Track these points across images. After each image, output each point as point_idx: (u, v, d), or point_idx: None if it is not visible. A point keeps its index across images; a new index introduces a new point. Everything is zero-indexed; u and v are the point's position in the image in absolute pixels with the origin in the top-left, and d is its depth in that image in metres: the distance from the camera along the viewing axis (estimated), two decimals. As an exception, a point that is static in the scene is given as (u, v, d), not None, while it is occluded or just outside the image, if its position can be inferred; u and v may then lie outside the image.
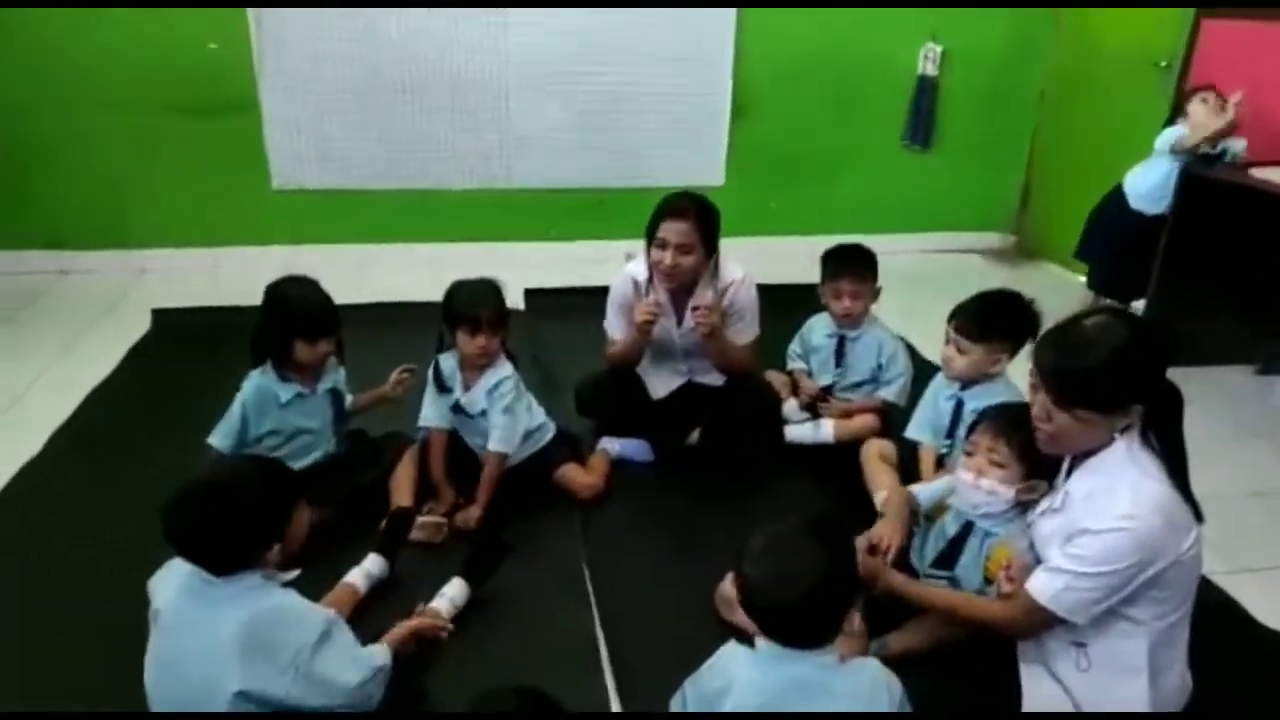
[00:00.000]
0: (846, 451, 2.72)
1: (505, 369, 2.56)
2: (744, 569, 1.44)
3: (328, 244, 4.60)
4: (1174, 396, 1.67)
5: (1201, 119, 3.55)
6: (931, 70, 4.96)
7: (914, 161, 5.18)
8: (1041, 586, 1.65)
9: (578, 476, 2.63)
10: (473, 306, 2.47)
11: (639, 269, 2.78)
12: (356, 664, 1.65)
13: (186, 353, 3.53)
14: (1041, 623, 1.67)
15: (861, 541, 1.93)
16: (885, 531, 2.00)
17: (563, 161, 4.76)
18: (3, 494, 2.58)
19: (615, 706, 1.91)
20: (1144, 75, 4.36)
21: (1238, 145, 3.53)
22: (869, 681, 1.43)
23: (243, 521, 1.55)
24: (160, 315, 3.82)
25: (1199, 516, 1.67)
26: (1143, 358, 1.62)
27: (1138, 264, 3.63)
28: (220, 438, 2.32)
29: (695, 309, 2.66)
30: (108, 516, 2.44)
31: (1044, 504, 1.77)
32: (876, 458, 2.58)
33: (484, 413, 2.53)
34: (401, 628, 1.90)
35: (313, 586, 1.98)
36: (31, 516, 2.49)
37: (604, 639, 2.09)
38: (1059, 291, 4.02)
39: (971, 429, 2.05)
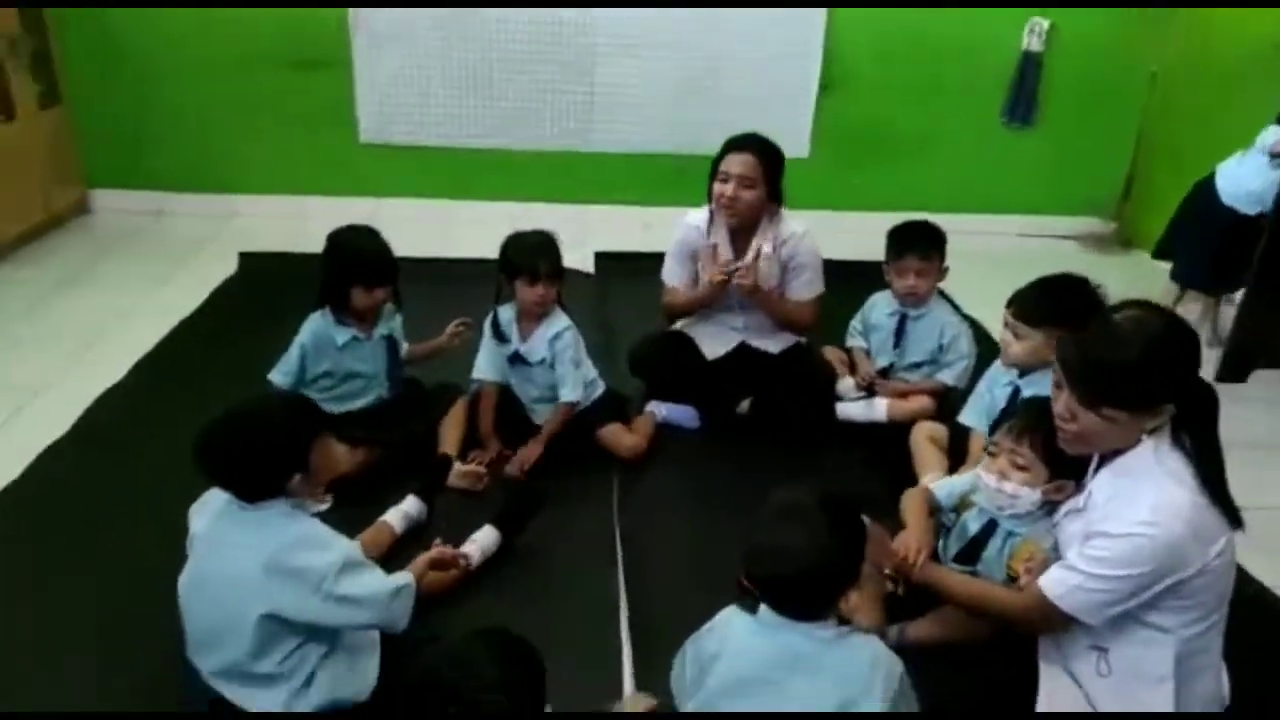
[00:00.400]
0: (899, 432, 2.65)
1: (563, 320, 2.59)
2: (750, 535, 1.42)
3: (410, 198, 4.72)
4: (1209, 398, 1.57)
5: None
6: (1037, 46, 4.73)
7: (1013, 141, 4.98)
8: (1052, 583, 1.59)
9: (622, 437, 2.64)
10: (532, 257, 2.51)
11: (700, 216, 2.77)
12: (380, 584, 1.70)
13: (268, 294, 3.67)
14: (1051, 620, 1.61)
15: (891, 548, 1.87)
16: (910, 541, 1.91)
17: (644, 127, 4.74)
18: (84, 417, 2.74)
19: (628, 666, 1.93)
20: (1266, 61, 4.05)
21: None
22: (866, 660, 1.40)
23: (263, 451, 1.61)
24: (246, 258, 3.99)
25: (1236, 522, 1.57)
26: (1176, 356, 1.52)
27: (1228, 260, 3.41)
28: (280, 375, 2.43)
29: (736, 268, 2.64)
30: (175, 446, 2.56)
31: (1069, 504, 1.70)
32: (926, 440, 2.52)
33: (543, 361, 2.58)
34: (420, 558, 1.95)
35: (356, 525, 2.08)
36: (111, 439, 2.66)
37: (625, 599, 2.11)
38: (1152, 284, 3.80)
39: (993, 428, 1.96)
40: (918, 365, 2.88)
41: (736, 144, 2.67)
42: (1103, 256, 4.91)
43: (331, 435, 1.76)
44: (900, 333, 2.88)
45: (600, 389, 2.73)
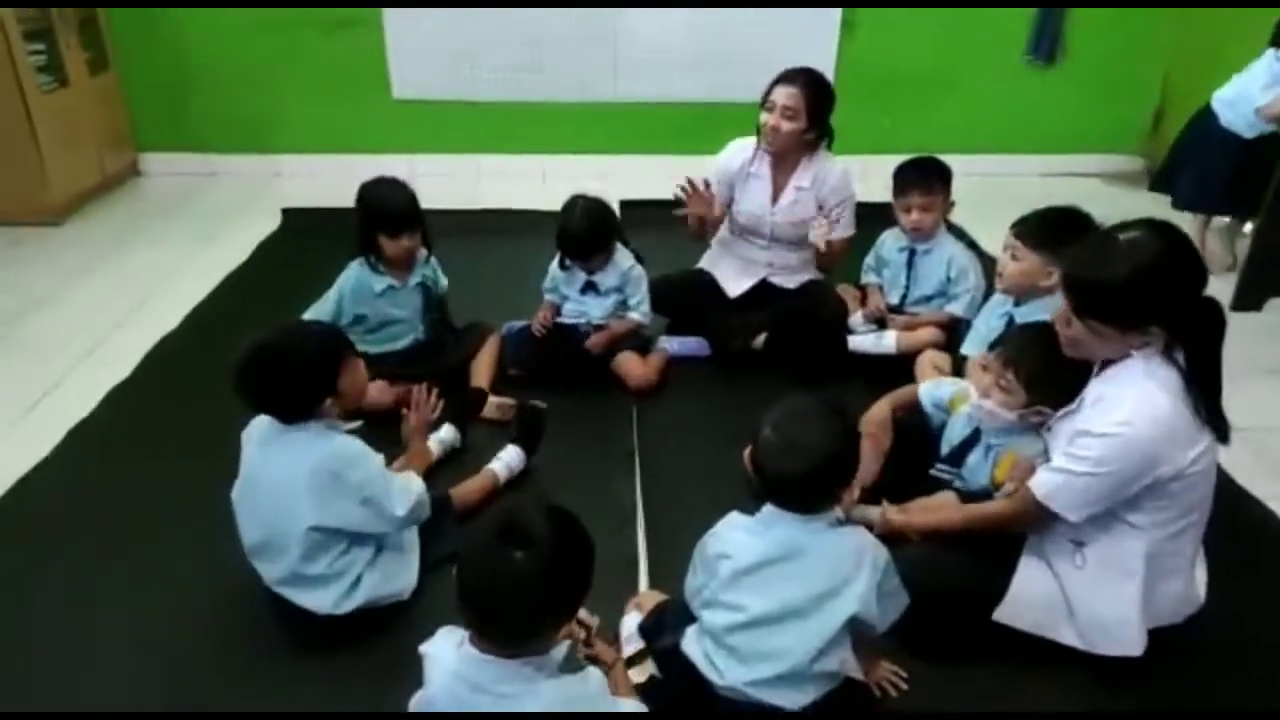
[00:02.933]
0: (908, 363, 2.77)
1: (630, 258, 2.81)
2: (761, 433, 1.55)
3: (445, 153, 4.88)
4: (1212, 317, 1.63)
5: None
6: (1061, -18, 4.71)
7: (1037, 79, 4.97)
8: (1040, 484, 1.71)
9: (634, 367, 2.80)
10: (570, 239, 2.73)
11: (749, 143, 2.93)
12: (404, 494, 1.90)
13: (309, 247, 3.84)
14: (1040, 517, 1.73)
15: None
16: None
17: (667, 77, 4.82)
18: (142, 363, 2.97)
19: (644, 567, 2.10)
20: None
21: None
22: (852, 548, 1.54)
23: (296, 376, 1.78)
24: (289, 214, 4.19)
25: (1223, 437, 1.67)
26: (1165, 280, 1.59)
27: (1232, 183, 3.47)
28: (312, 312, 2.60)
29: (822, 217, 2.81)
30: (227, 386, 2.78)
31: (1063, 410, 1.80)
32: (930, 367, 2.64)
33: (610, 290, 2.82)
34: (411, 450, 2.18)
35: (396, 454, 2.26)
36: (168, 380, 2.88)
37: (642, 508, 2.28)
38: (1180, 218, 3.84)
39: (994, 344, 2.08)
40: (928, 298, 2.98)
41: (786, 76, 2.79)
42: (1130, 192, 4.90)
43: (359, 359, 1.92)
44: (910, 267, 2.98)
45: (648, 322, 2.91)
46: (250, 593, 1.93)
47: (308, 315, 2.59)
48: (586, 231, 2.70)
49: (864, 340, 2.95)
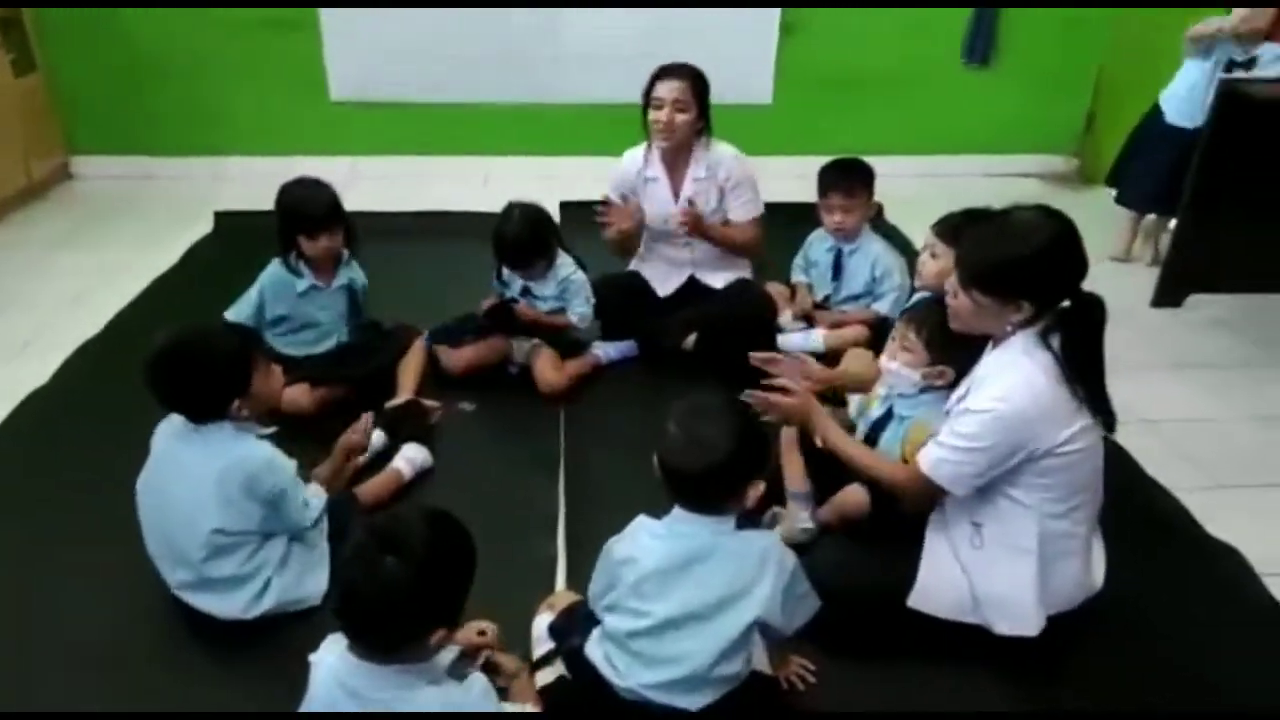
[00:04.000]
0: (835, 361, 2.80)
1: (569, 265, 2.81)
2: (665, 431, 1.55)
3: (384, 155, 4.84)
4: (1093, 308, 1.71)
5: (1244, 12, 3.37)
6: (994, -15, 4.79)
7: (974, 81, 5.04)
8: (924, 456, 1.77)
9: (546, 372, 2.78)
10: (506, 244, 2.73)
11: (636, 152, 2.95)
12: (310, 507, 1.90)
13: (242, 250, 3.73)
14: (926, 490, 1.78)
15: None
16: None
17: (609, 78, 4.80)
18: (61, 369, 2.92)
19: (562, 570, 2.10)
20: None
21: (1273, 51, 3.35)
22: (758, 552, 1.54)
23: (204, 375, 1.77)
24: (221, 217, 4.13)
25: (1108, 425, 1.75)
26: (1043, 262, 1.66)
27: (1174, 181, 3.51)
28: (235, 314, 2.57)
29: (688, 207, 2.80)
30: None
31: (956, 393, 1.85)
32: (854, 363, 2.67)
33: (549, 298, 2.82)
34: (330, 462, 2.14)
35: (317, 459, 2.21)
36: (86, 386, 2.84)
37: (564, 512, 2.29)
38: (1114, 218, 3.95)
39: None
40: (855, 297, 3.02)
41: (666, 71, 2.82)
42: (1065, 192, 5.00)
43: (271, 362, 1.91)
44: (837, 267, 3.02)
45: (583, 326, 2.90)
46: (156, 596, 1.91)
47: (228, 314, 2.56)
48: (524, 239, 2.70)
49: (792, 339, 2.98)
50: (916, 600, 1.84)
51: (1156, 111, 3.71)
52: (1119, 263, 3.95)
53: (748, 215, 2.94)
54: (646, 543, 1.57)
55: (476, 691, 1.30)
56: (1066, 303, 1.71)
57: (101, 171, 4.75)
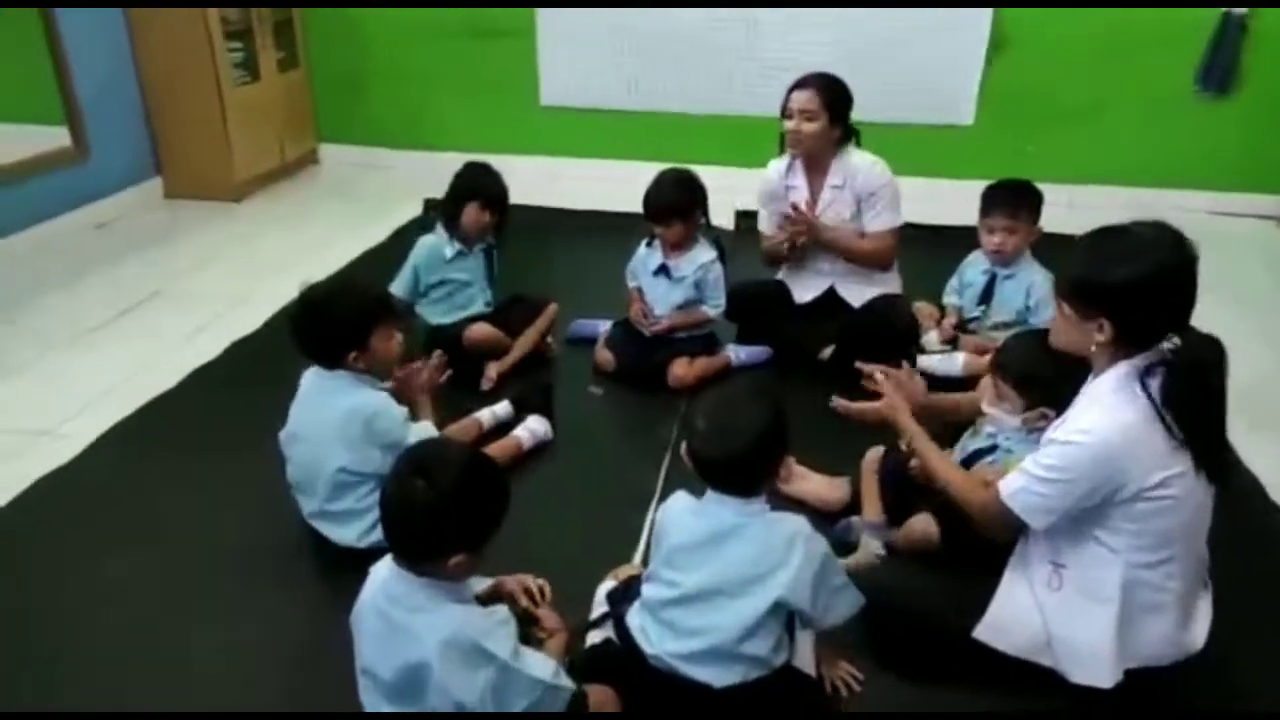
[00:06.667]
0: (974, 386, 2.71)
1: (711, 251, 2.92)
2: (692, 421, 1.62)
3: (585, 158, 5.14)
4: (1202, 352, 1.58)
5: None
6: (1239, 8, 4.36)
7: (1206, 111, 4.62)
8: (1006, 484, 1.70)
9: (676, 367, 2.89)
10: (652, 197, 2.87)
11: (780, 163, 3.00)
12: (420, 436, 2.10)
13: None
14: (1001, 517, 1.71)
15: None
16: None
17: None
18: (268, 321, 3.37)
19: (642, 546, 2.18)
20: None
21: None
22: (785, 535, 1.57)
23: (324, 326, 2.03)
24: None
25: (1215, 478, 1.63)
26: (1135, 283, 1.55)
27: None
28: (396, 287, 2.88)
29: (794, 212, 2.86)
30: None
31: (1055, 423, 1.77)
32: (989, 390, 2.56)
33: (684, 279, 2.91)
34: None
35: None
36: (280, 336, 3.23)
37: (660, 494, 2.37)
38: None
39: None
40: (1007, 325, 2.89)
41: (799, 82, 2.85)
42: (1306, 238, 4.47)
43: (394, 329, 2.12)
44: (989, 291, 2.91)
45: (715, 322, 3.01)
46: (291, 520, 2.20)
47: (392, 288, 2.86)
48: (667, 191, 2.83)
49: (932, 360, 2.90)
50: (984, 633, 1.77)
51: None
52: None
53: (880, 226, 2.91)
54: (682, 517, 1.64)
55: (496, 619, 1.42)
56: (1177, 341, 1.59)
57: (340, 157, 5.40)
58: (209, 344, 3.19)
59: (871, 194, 2.88)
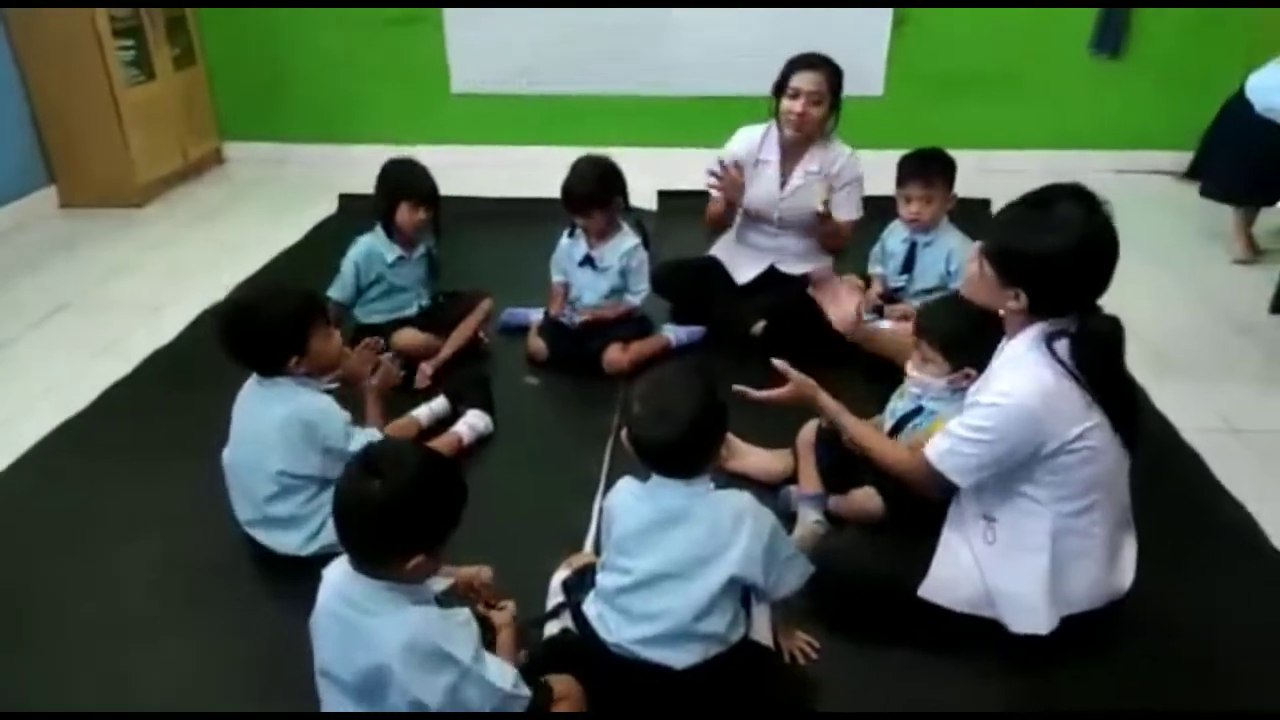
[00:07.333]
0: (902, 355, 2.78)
1: (634, 238, 2.90)
2: (630, 408, 1.62)
3: (500, 145, 5.08)
4: (1100, 327, 1.65)
5: None
6: (1127, -29, 4.54)
7: (1102, 72, 4.80)
8: (932, 447, 1.77)
9: (611, 351, 2.89)
10: (570, 188, 2.85)
11: (757, 129, 2.99)
12: (354, 441, 2.04)
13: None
14: (932, 479, 1.77)
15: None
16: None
17: (717, 71, 4.87)
18: (187, 329, 3.27)
19: (592, 533, 2.18)
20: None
21: None
22: (731, 510, 1.59)
23: (259, 332, 1.96)
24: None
25: (1127, 444, 1.71)
26: (1052, 262, 1.60)
27: (1265, 171, 3.41)
28: (336, 291, 2.82)
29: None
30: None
31: (975, 384, 1.84)
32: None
33: (609, 269, 2.90)
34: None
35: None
36: (200, 345, 3.11)
37: (605, 481, 2.38)
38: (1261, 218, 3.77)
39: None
40: (928, 291, 2.96)
41: (806, 61, 2.84)
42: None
43: (331, 327, 2.07)
44: (911, 259, 2.98)
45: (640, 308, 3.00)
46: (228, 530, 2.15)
47: (331, 293, 2.80)
48: (585, 182, 2.81)
49: (858, 330, 2.96)
50: (928, 591, 1.83)
51: (1244, 102, 3.49)
52: (1242, 265, 3.71)
53: (847, 217, 2.97)
54: (629, 502, 1.65)
55: (456, 621, 1.41)
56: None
57: (247, 155, 5.23)
58: (124, 356, 3.06)
59: (846, 185, 2.94)
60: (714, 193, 3.05)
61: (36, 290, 3.61)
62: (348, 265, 2.84)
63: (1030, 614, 1.76)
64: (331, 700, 1.46)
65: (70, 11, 4.07)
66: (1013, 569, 1.76)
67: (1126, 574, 1.84)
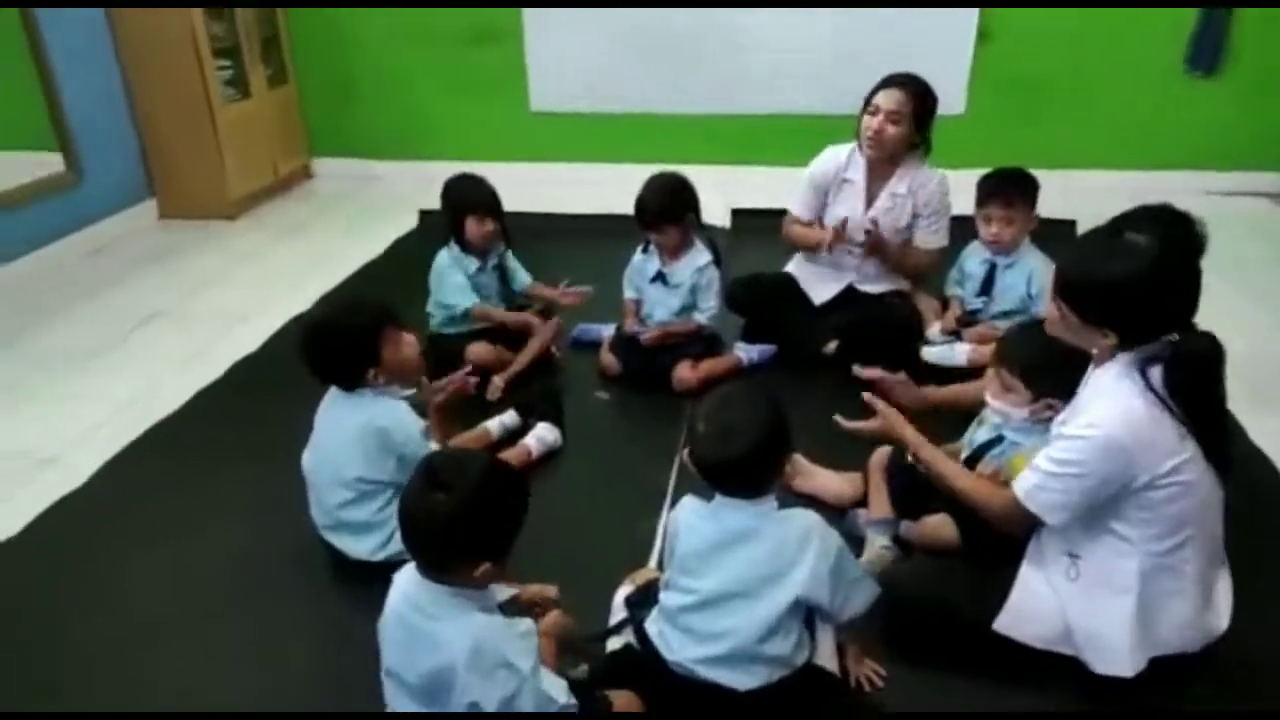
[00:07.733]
0: (979, 376, 2.70)
1: (707, 255, 2.91)
2: (693, 426, 1.61)
3: (577, 162, 5.14)
4: (1198, 347, 1.58)
5: None
6: (1226, -12, 4.38)
7: (1197, 91, 4.63)
8: (1020, 482, 1.70)
9: (681, 370, 2.88)
10: (643, 204, 2.85)
11: (843, 150, 2.96)
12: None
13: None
14: (1019, 516, 1.71)
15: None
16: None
17: (796, 89, 4.86)
18: (272, 338, 3.37)
19: (657, 548, 2.17)
20: None
21: None
22: (797, 531, 1.57)
23: (333, 349, 2.02)
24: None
25: (1221, 469, 1.64)
26: (1130, 295, 1.55)
27: None
28: (463, 298, 2.92)
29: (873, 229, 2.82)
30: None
31: (1061, 415, 1.77)
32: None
33: (681, 285, 2.92)
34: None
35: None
36: (283, 355, 3.22)
37: (671, 496, 2.37)
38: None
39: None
40: (1008, 314, 2.90)
41: (891, 80, 2.80)
42: (1302, 215, 4.49)
43: (402, 334, 2.10)
44: (989, 281, 2.91)
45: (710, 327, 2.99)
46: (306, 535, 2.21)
47: (462, 303, 2.92)
48: (657, 197, 2.82)
49: (935, 352, 2.90)
50: (1004, 624, 1.78)
51: None
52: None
53: (933, 244, 2.93)
54: (692, 521, 1.64)
55: (519, 630, 1.42)
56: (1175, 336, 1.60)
57: (333, 171, 5.40)
58: (211, 364, 3.18)
59: (933, 211, 2.90)
60: (808, 218, 3.03)
61: (134, 299, 3.79)
62: (453, 273, 2.92)
63: (1114, 655, 1.69)
64: (397, 701, 1.49)
65: (174, 31, 4.28)
66: (1096, 608, 1.69)
67: (1223, 614, 1.75)
